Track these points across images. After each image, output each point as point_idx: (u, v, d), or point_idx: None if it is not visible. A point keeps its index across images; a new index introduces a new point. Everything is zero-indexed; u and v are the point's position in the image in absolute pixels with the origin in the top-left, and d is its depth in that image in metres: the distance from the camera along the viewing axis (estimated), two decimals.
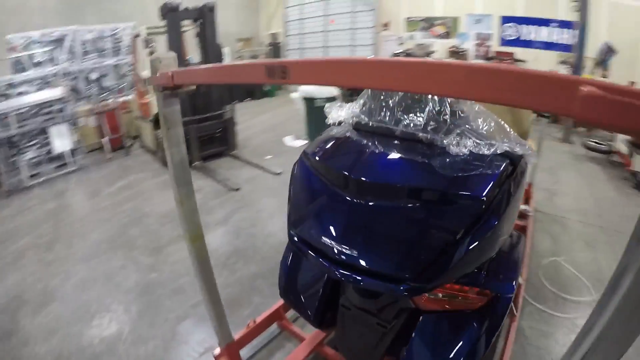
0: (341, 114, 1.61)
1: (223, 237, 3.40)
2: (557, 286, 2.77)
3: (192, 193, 1.37)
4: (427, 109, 1.37)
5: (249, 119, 7.45)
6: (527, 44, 8.67)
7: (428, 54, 9.06)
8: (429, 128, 1.34)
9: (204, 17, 4.90)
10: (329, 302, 1.54)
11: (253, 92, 9.80)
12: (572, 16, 7.37)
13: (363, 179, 1.21)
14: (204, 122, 5.07)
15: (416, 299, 1.37)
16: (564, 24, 8.09)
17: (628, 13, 7.67)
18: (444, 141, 1.29)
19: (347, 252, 1.17)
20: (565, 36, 8.20)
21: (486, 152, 1.28)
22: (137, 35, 5.33)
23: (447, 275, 1.14)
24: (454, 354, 1.29)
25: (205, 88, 4.99)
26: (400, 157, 1.29)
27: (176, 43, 4.70)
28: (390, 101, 1.46)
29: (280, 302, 2.26)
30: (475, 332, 1.31)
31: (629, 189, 5.17)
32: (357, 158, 1.33)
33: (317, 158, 1.42)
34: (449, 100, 1.37)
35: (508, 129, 1.40)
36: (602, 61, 7.45)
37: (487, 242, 1.16)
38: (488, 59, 8.99)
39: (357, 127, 1.51)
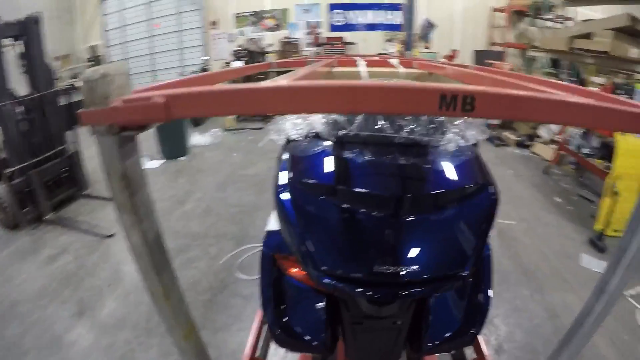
0: (315, 128, 1.40)
1: (127, 298, 2.75)
2: None
3: (176, 279, 0.93)
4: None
5: (89, 146, 6.31)
6: (355, 27, 9.36)
7: (263, 48, 9.04)
8: (428, 131, 1.33)
9: (29, 33, 3.82)
10: (331, 326, 1.41)
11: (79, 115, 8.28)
12: None
13: (399, 194, 1.16)
14: (46, 164, 4.01)
15: None
16: (391, 7, 8.98)
17: None
18: (441, 141, 1.31)
19: (408, 271, 1.13)
20: (389, 17, 9.13)
21: (469, 144, 1.36)
22: None
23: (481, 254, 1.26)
24: (470, 314, 1.41)
25: (40, 119, 3.96)
26: (417, 166, 1.26)
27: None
28: None
29: (249, 350, 1.93)
30: (477, 291, 1.44)
31: None
32: (378, 174, 1.25)
33: (323, 183, 1.22)
34: None
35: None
36: (424, 35, 8.53)
37: (494, 218, 1.26)
38: (319, 45, 9.41)
39: (343, 139, 1.32)
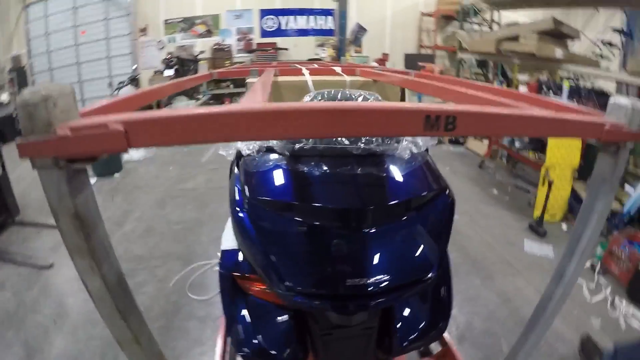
0: (268, 142, 1.35)
1: (76, 333, 2.46)
2: None
3: (144, 320, 0.82)
4: None
5: (16, 167, 5.65)
6: (286, 33, 9.38)
7: (195, 56, 8.75)
8: (384, 140, 1.33)
9: None
10: (300, 339, 1.39)
11: (2, 132, 7.20)
12: (328, 5, 8.36)
13: (362, 207, 1.16)
14: None
15: None
16: (322, 12, 9.12)
17: None
18: (396, 150, 1.32)
19: (378, 280, 1.13)
20: (320, 22, 9.24)
21: (421, 150, 1.38)
22: None
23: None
24: (436, 310, 1.45)
25: None
26: (377, 177, 1.25)
27: None
28: None
29: None
30: (439, 287, 1.47)
31: None
32: (339, 188, 1.22)
33: (284, 200, 1.19)
34: None
35: None
36: (355, 39, 8.71)
37: (452, 219, 1.32)
38: (251, 51, 9.29)
39: (299, 153, 1.28)
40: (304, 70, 2.16)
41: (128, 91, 7.26)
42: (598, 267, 3.07)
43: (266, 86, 1.18)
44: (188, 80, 1.83)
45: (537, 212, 3.82)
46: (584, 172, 3.88)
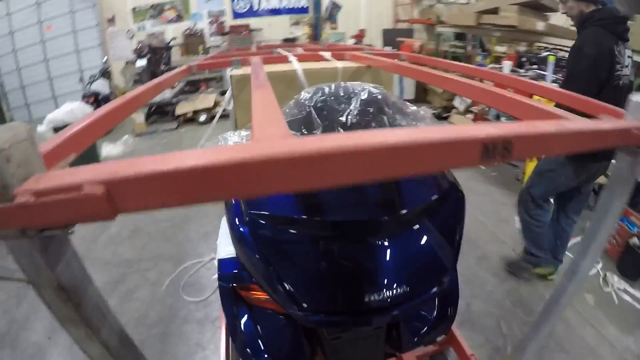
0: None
1: (72, 349, 2.34)
2: None
3: None
4: (385, 118, 1.22)
5: None
6: (259, 13, 9.15)
7: (167, 43, 8.41)
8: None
9: None
10: (310, 344, 1.35)
11: None
12: None
13: (375, 219, 1.07)
14: None
15: None
16: None
17: None
18: None
19: (397, 293, 1.06)
20: (294, 1, 9.04)
21: None
22: None
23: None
24: (443, 306, 1.43)
25: None
26: (387, 182, 1.12)
27: None
28: (338, 117, 1.18)
29: None
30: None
31: None
32: (348, 198, 1.11)
33: (292, 215, 1.07)
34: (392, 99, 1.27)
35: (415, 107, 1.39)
36: (330, 16, 8.49)
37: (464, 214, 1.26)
38: (224, 34, 9.02)
39: None
40: (291, 58, 2.00)
41: (100, 85, 6.95)
42: None
43: (270, 95, 0.97)
44: (167, 79, 1.68)
45: None
46: None
